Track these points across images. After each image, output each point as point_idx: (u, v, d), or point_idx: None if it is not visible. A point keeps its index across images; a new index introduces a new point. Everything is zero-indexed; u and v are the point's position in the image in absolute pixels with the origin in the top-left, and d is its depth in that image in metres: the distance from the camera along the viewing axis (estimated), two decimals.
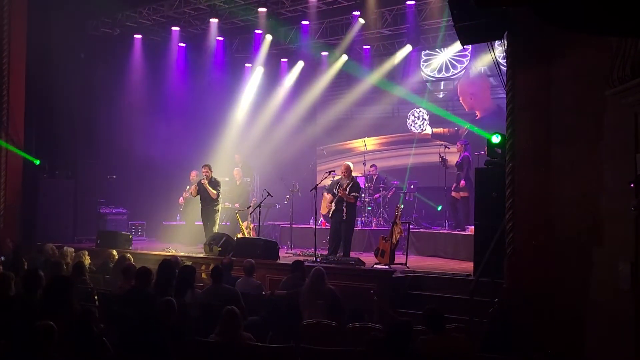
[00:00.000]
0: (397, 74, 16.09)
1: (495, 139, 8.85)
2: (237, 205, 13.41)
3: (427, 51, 15.80)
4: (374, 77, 15.97)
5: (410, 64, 15.94)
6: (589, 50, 6.65)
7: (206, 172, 12.41)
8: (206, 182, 12.32)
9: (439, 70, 15.86)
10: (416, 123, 16.28)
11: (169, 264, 7.78)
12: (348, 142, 17.15)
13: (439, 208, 14.11)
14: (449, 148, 14.44)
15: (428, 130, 16.12)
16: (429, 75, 16.01)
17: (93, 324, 5.23)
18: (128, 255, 9.72)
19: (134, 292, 6.91)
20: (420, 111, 16.20)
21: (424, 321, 5.60)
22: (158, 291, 6.99)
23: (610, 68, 5.92)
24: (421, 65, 16.03)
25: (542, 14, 2.99)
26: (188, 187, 13.52)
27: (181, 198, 14.06)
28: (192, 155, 14.75)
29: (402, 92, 16.09)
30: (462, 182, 12.46)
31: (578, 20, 2.95)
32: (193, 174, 13.83)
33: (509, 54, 7.69)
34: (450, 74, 15.77)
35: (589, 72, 6.81)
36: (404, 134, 16.52)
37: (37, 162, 13.47)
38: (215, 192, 12.29)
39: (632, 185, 5.85)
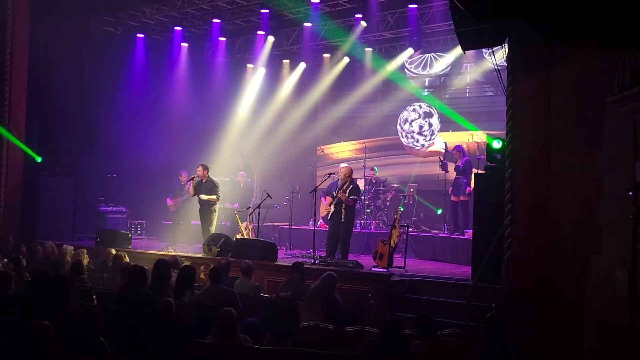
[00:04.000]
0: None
1: (497, 144, 8.85)
2: (236, 205, 13.41)
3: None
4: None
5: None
6: (589, 57, 6.65)
7: (198, 171, 12.16)
8: (194, 182, 12.10)
9: (424, 67, 15.92)
10: (415, 133, 16.02)
11: (164, 263, 7.75)
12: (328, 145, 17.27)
13: (439, 212, 14.09)
14: (449, 151, 14.45)
15: (438, 143, 15.31)
16: (413, 72, 16.05)
17: (97, 326, 5.21)
18: (123, 254, 9.73)
19: (127, 291, 6.92)
20: (424, 110, 15.98)
21: (415, 327, 5.61)
22: (153, 291, 6.99)
23: (611, 76, 5.94)
24: (404, 62, 16.05)
25: (539, 28, 3.00)
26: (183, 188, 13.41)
27: (169, 200, 13.68)
28: (193, 155, 14.75)
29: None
30: (469, 188, 12.29)
31: (574, 35, 2.97)
32: (184, 174, 13.50)
33: (510, 60, 7.70)
34: (434, 71, 15.87)
35: (589, 79, 6.82)
36: (389, 137, 16.43)
37: (39, 159, 13.49)
38: (213, 196, 12.05)
39: (630, 193, 5.86)
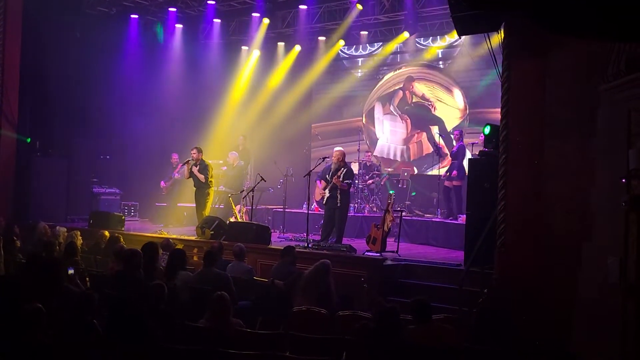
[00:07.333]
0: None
1: (487, 130, 8.86)
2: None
3: None
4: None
5: None
6: (585, 44, 6.63)
7: (193, 154, 12.16)
8: (190, 165, 12.19)
9: (365, 48, 15.95)
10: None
11: (152, 246, 7.66)
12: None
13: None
14: (443, 136, 14.45)
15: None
16: (345, 53, 16.03)
17: (90, 309, 5.20)
18: (120, 236, 9.73)
19: (122, 274, 6.91)
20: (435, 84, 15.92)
21: (411, 312, 5.63)
22: (145, 274, 6.98)
23: (605, 63, 5.92)
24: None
25: (535, 17, 2.99)
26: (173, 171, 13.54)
27: (163, 182, 13.91)
28: (187, 136, 14.70)
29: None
30: (454, 172, 12.43)
31: (569, 24, 2.96)
32: (174, 157, 13.73)
33: (506, 45, 7.67)
34: (367, 52, 15.83)
35: (584, 66, 6.81)
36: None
37: (28, 140, 13.42)
38: (202, 175, 12.09)
39: (623, 180, 5.87)
